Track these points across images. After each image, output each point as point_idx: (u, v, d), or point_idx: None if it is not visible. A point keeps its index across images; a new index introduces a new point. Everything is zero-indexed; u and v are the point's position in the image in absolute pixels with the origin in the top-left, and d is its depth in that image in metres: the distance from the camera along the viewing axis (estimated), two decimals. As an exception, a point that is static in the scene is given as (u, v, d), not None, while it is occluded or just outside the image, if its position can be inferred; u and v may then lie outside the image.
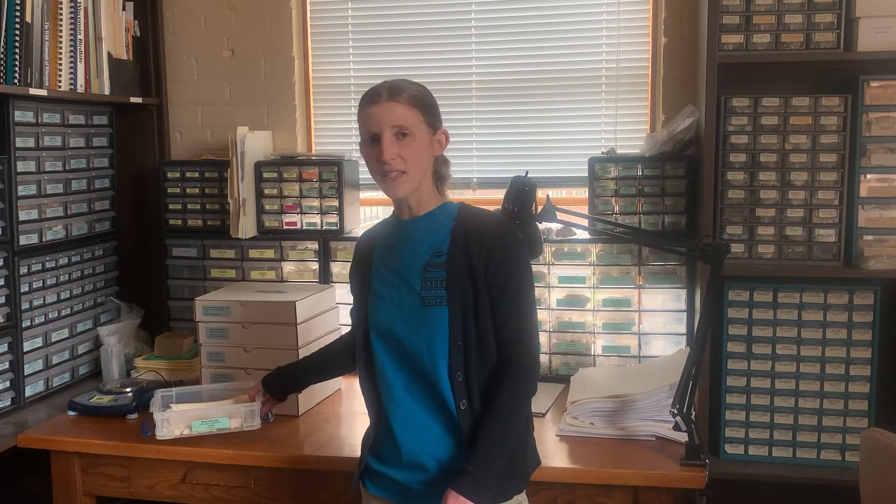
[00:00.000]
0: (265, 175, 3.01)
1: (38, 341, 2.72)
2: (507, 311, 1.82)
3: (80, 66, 2.79)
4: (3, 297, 2.57)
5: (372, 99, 1.84)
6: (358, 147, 3.44)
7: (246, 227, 2.99)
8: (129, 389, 2.60)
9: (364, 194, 3.20)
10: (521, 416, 1.84)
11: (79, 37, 2.77)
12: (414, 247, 1.88)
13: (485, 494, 1.74)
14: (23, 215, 2.62)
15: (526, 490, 1.92)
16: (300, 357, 2.50)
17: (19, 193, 2.60)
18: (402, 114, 1.81)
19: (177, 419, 2.31)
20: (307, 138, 3.26)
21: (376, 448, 1.93)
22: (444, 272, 1.83)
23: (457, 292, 1.81)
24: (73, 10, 2.73)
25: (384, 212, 3.96)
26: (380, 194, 3.25)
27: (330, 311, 2.74)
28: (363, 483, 1.96)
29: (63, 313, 2.83)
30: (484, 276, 1.82)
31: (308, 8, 3.20)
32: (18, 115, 2.58)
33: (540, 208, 2.20)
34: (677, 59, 2.88)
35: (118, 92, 2.98)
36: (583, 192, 2.95)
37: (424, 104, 1.86)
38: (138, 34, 3.14)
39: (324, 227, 3.00)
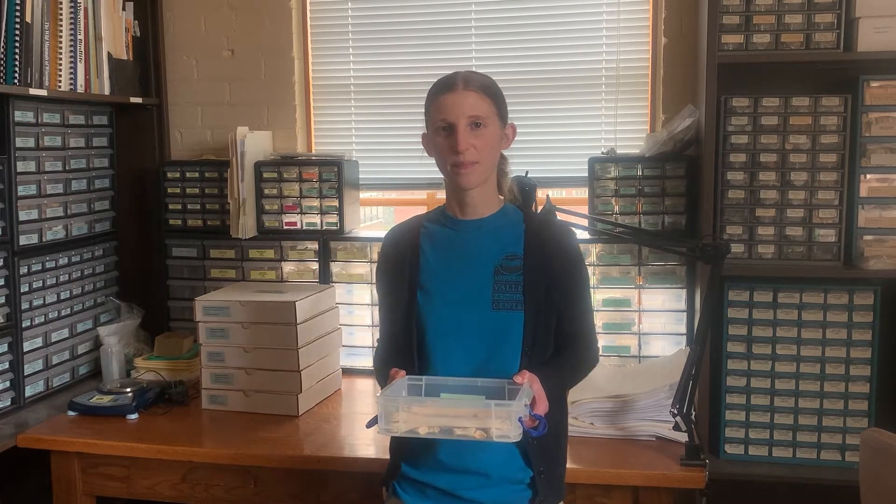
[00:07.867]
0: (265, 175, 3.01)
1: (38, 341, 2.72)
2: (582, 309, 1.88)
3: (80, 66, 2.78)
4: (3, 297, 2.57)
5: (446, 87, 1.79)
6: (358, 147, 3.41)
7: (246, 227, 2.99)
8: (129, 389, 2.60)
9: (364, 194, 3.20)
10: (575, 379, 1.87)
11: (79, 37, 2.77)
12: (481, 247, 1.84)
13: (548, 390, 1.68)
14: (23, 215, 2.62)
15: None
16: (300, 356, 2.51)
17: (19, 193, 2.60)
18: (477, 104, 1.78)
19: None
20: (307, 138, 3.26)
21: (416, 454, 1.82)
22: (521, 276, 1.80)
23: (533, 296, 1.78)
24: (73, 10, 2.73)
25: (384, 212, 3.95)
26: (380, 194, 3.28)
27: (330, 311, 2.74)
28: (395, 491, 1.86)
29: (63, 313, 2.83)
30: (560, 279, 1.81)
31: (308, 8, 3.20)
32: (18, 115, 2.58)
33: (540, 208, 2.21)
34: (677, 59, 2.88)
35: (118, 92, 2.98)
36: (583, 192, 2.95)
37: (497, 95, 1.84)
38: (138, 34, 3.14)
39: (324, 227, 3.00)
